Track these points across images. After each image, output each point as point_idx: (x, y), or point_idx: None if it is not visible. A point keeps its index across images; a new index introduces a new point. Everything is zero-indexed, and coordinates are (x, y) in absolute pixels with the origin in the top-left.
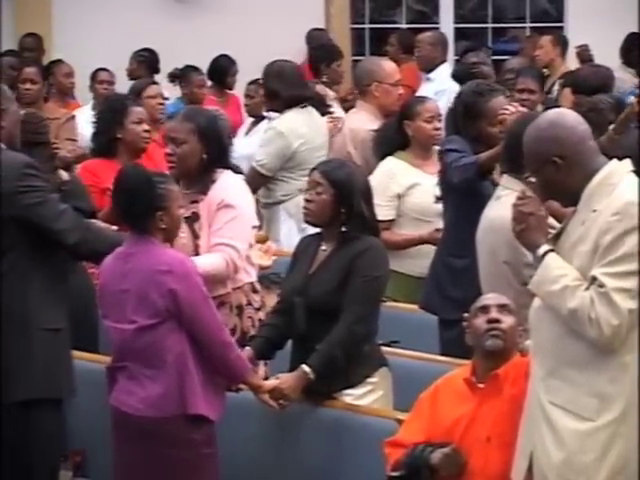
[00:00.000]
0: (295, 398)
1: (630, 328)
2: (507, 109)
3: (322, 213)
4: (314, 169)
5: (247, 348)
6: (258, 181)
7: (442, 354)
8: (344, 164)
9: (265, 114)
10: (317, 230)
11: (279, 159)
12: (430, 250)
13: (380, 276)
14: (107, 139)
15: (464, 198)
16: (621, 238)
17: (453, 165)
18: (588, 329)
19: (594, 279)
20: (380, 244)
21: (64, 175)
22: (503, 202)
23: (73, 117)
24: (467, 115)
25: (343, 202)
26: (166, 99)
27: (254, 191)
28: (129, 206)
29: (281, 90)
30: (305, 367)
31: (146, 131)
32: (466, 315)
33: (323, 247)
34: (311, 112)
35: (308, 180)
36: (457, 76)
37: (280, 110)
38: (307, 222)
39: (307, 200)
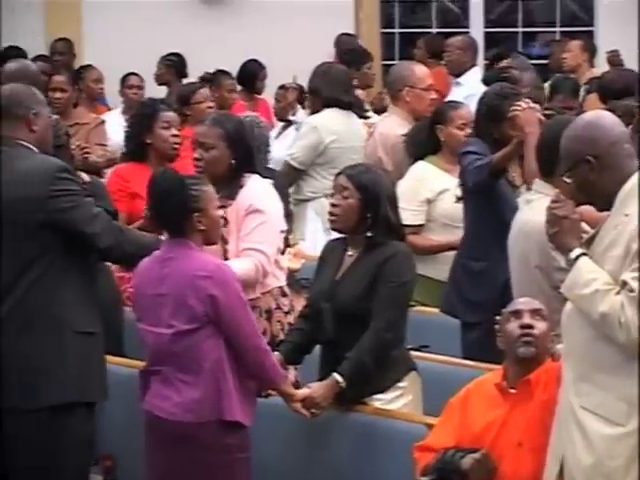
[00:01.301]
0: (326, 406)
1: None
2: (519, 105)
3: (348, 218)
4: (340, 173)
5: (276, 353)
6: (291, 175)
7: (464, 357)
8: (370, 169)
9: (291, 118)
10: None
11: (311, 152)
12: None
13: (408, 281)
14: (137, 144)
15: (480, 200)
16: None
17: (469, 168)
18: (618, 333)
19: (624, 283)
20: (407, 249)
21: (85, 177)
22: (534, 206)
23: (103, 122)
24: (490, 117)
25: (369, 207)
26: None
27: (288, 186)
28: (164, 209)
29: (322, 89)
30: (336, 375)
31: (174, 136)
32: (497, 318)
33: (349, 252)
34: (351, 116)
35: (334, 184)
36: (487, 81)
37: (319, 109)
38: (333, 228)
39: (333, 205)
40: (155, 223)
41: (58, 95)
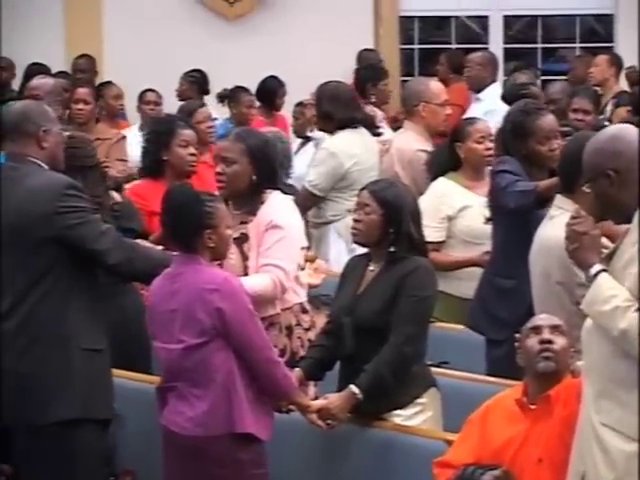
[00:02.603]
0: (343, 418)
1: None
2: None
3: (371, 233)
4: (363, 189)
5: (297, 369)
6: (310, 201)
7: (489, 374)
8: (393, 184)
9: (310, 134)
10: (365, 250)
11: (331, 179)
12: (480, 272)
13: (429, 296)
14: (154, 160)
15: (516, 221)
16: None
17: (509, 189)
18: (637, 350)
19: None
20: (428, 264)
21: (116, 196)
22: (556, 222)
23: (124, 137)
24: (516, 134)
25: (392, 222)
26: (214, 119)
27: (306, 211)
28: (177, 224)
29: (334, 112)
30: (353, 387)
31: (192, 154)
32: (517, 335)
33: (371, 267)
34: (363, 133)
35: (357, 200)
36: (506, 97)
37: (332, 131)
38: (356, 242)
39: (356, 220)
40: (167, 237)
41: (81, 106)
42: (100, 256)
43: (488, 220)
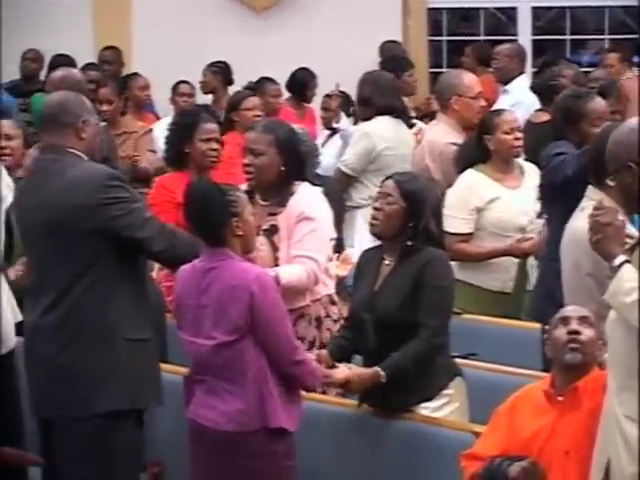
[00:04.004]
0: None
1: None
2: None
3: (390, 224)
4: (388, 178)
5: (323, 351)
6: (343, 182)
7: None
8: (417, 177)
9: (335, 125)
10: (377, 243)
11: (363, 159)
12: (510, 264)
13: (448, 286)
14: (177, 152)
15: (569, 201)
16: None
17: (566, 160)
18: None
19: None
20: (443, 254)
21: None
22: (587, 213)
23: (150, 130)
24: (567, 120)
25: (412, 216)
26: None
27: (341, 192)
28: (205, 217)
29: (374, 98)
30: (379, 369)
31: (213, 149)
32: (546, 327)
33: (386, 261)
34: (400, 123)
35: (379, 189)
36: (535, 89)
37: (369, 117)
38: (373, 233)
39: (376, 208)
40: (194, 232)
41: (105, 107)
42: (145, 244)
43: (540, 214)
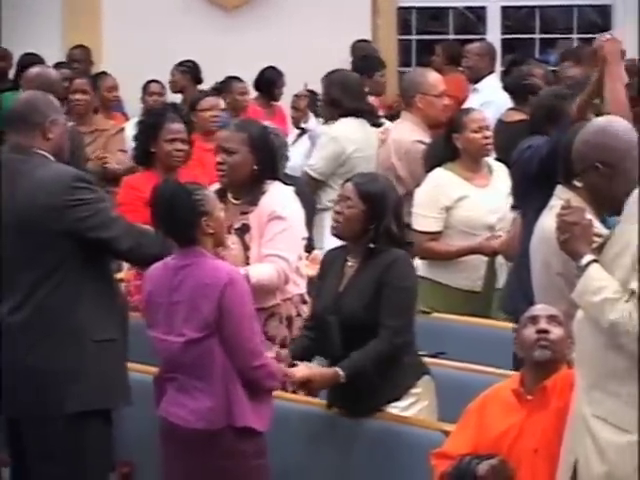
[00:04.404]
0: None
1: None
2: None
3: (350, 227)
4: (347, 181)
5: (284, 350)
6: (311, 185)
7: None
8: (377, 179)
9: (303, 125)
10: (341, 243)
11: (332, 163)
12: (479, 263)
13: (411, 286)
14: (144, 151)
15: (543, 195)
16: None
17: (539, 145)
18: (627, 342)
19: (632, 292)
20: (406, 255)
21: None
22: (555, 213)
23: (122, 129)
24: (549, 118)
25: (372, 218)
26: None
27: (306, 200)
28: (173, 219)
29: (343, 100)
30: (339, 369)
31: (178, 150)
32: (515, 326)
33: (349, 263)
34: (364, 123)
35: (340, 192)
36: (508, 88)
37: (335, 118)
38: (334, 235)
39: (337, 212)
40: (164, 234)
41: (79, 96)
42: (112, 243)
43: (513, 207)
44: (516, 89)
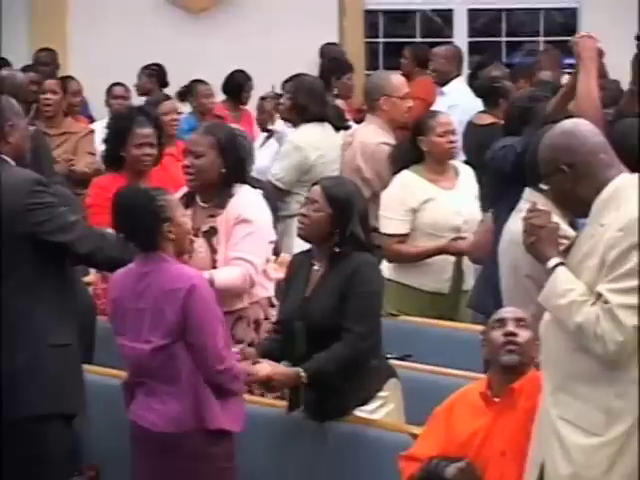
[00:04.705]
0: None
1: (637, 344)
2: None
3: (317, 230)
4: (315, 184)
5: (250, 349)
6: (275, 195)
7: None
8: (344, 182)
9: (270, 127)
10: (308, 247)
11: (296, 172)
12: (445, 265)
13: (376, 291)
14: (113, 155)
15: (516, 194)
16: (626, 254)
17: (513, 144)
18: (594, 345)
19: (599, 295)
20: (371, 259)
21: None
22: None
23: (92, 132)
24: (524, 120)
25: (339, 221)
26: (180, 113)
27: (272, 206)
28: (135, 224)
29: (310, 105)
30: (301, 370)
31: (146, 155)
32: (483, 328)
33: (316, 267)
34: (326, 127)
35: (307, 195)
36: (480, 91)
37: (297, 123)
38: (300, 236)
39: (303, 214)
40: (126, 239)
41: (48, 96)
42: (71, 247)
43: (485, 209)
44: (487, 92)
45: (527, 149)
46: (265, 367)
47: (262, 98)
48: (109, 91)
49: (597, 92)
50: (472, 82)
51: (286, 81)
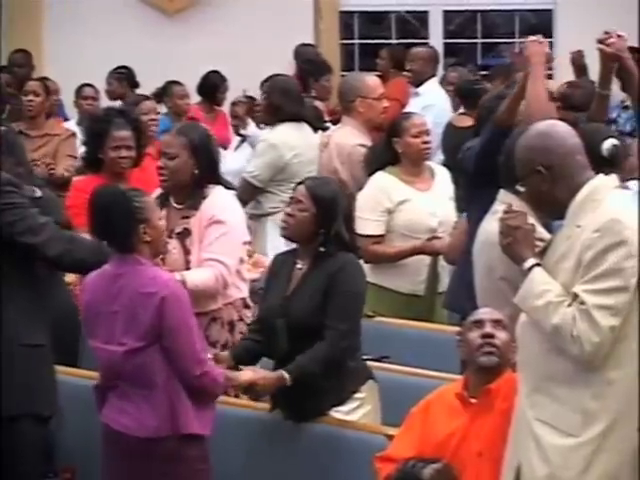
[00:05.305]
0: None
1: (612, 345)
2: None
3: (301, 230)
4: (300, 183)
5: (225, 353)
6: (249, 193)
7: None
8: (329, 183)
9: (242, 132)
10: (291, 247)
11: (271, 170)
12: (421, 266)
13: (359, 292)
14: (91, 157)
15: (487, 195)
16: (602, 255)
17: (474, 145)
18: (570, 346)
19: (576, 296)
20: (355, 259)
21: (37, 192)
22: (499, 217)
23: (73, 134)
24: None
25: (324, 222)
26: (158, 113)
27: (245, 203)
28: (110, 225)
29: (284, 105)
30: (284, 372)
31: (123, 157)
32: (460, 329)
33: (299, 265)
34: (303, 127)
35: (292, 194)
36: (462, 93)
37: (273, 123)
38: (284, 236)
39: (288, 214)
40: (100, 241)
41: (31, 98)
42: (40, 249)
43: (461, 210)
44: (467, 94)
45: (482, 152)
46: (247, 373)
47: (233, 103)
48: (78, 92)
49: (546, 95)
50: (442, 82)
51: (264, 82)
